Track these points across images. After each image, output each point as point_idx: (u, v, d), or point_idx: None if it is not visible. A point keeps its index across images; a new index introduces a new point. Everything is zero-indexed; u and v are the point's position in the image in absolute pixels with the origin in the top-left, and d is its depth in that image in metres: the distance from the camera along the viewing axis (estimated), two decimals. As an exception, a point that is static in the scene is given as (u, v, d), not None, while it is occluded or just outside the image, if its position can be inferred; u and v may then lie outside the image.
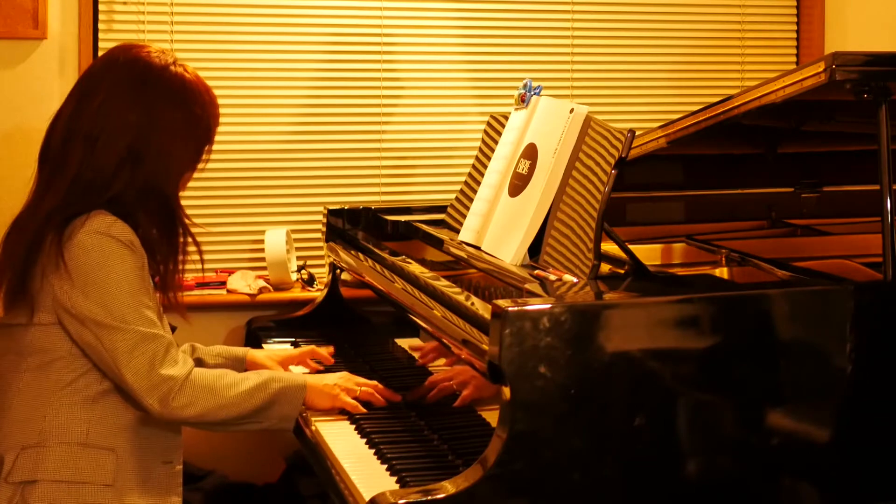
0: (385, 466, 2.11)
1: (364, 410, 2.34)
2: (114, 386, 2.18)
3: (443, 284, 2.31)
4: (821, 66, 2.16)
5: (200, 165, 2.32)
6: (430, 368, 2.68)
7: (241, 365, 2.52)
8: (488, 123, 2.84)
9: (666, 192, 3.08)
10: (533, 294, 2.06)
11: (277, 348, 2.74)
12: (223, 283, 3.31)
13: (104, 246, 2.13)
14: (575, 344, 1.93)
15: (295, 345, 2.96)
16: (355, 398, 2.36)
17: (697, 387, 2.01)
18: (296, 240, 3.41)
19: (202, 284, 3.27)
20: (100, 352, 2.13)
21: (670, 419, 1.98)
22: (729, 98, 2.43)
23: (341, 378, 2.40)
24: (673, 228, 2.93)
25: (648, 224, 2.95)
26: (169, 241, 2.24)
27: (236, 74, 3.36)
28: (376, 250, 2.79)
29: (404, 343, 2.95)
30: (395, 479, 2.05)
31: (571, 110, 2.43)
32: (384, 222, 3.08)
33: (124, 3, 3.28)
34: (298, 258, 3.41)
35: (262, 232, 3.34)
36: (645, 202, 3.05)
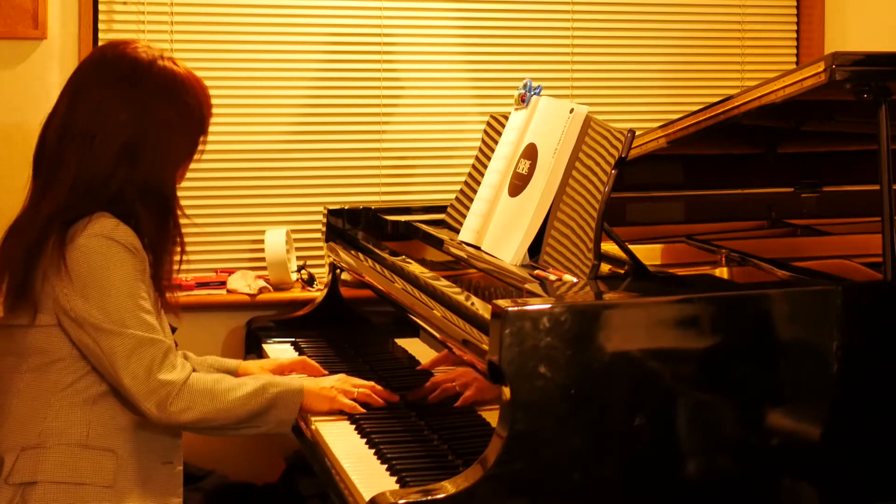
0: (385, 466, 2.11)
1: (362, 411, 2.34)
2: (113, 387, 2.17)
3: (443, 284, 2.31)
4: (821, 66, 2.16)
5: (196, 157, 2.31)
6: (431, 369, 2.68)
7: (234, 376, 2.51)
8: (488, 123, 2.83)
9: (666, 192, 3.08)
10: (533, 294, 2.06)
11: (269, 359, 2.73)
12: (223, 283, 3.31)
13: (106, 249, 2.13)
14: (575, 344, 1.92)
15: (295, 345, 2.96)
16: (353, 399, 2.36)
17: (697, 387, 2.01)
18: (296, 240, 3.41)
19: (202, 284, 3.27)
20: (98, 355, 2.13)
21: (670, 419, 1.98)
22: (729, 98, 2.42)
23: (338, 380, 2.40)
24: (673, 228, 2.93)
25: (648, 224, 2.95)
26: (165, 238, 2.24)
27: (236, 74, 3.36)
28: (376, 250, 2.79)
29: (404, 343, 2.95)
30: (395, 479, 2.05)
31: (571, 110, 2.43)
32: (384, 222, 3.08)
33: (124, 3, 3.28)
34: (298, 258, 3.41)
35: (262, 232, 3.34)
36: (645, 202, 3.05)
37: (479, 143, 2.84)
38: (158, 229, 2.22)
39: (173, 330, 2.31)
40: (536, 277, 2.21)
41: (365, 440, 2.23)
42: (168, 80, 2.24)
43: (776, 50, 3.78)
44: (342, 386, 2.37)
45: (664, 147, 2.63)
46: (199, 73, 2.31)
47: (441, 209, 2.92)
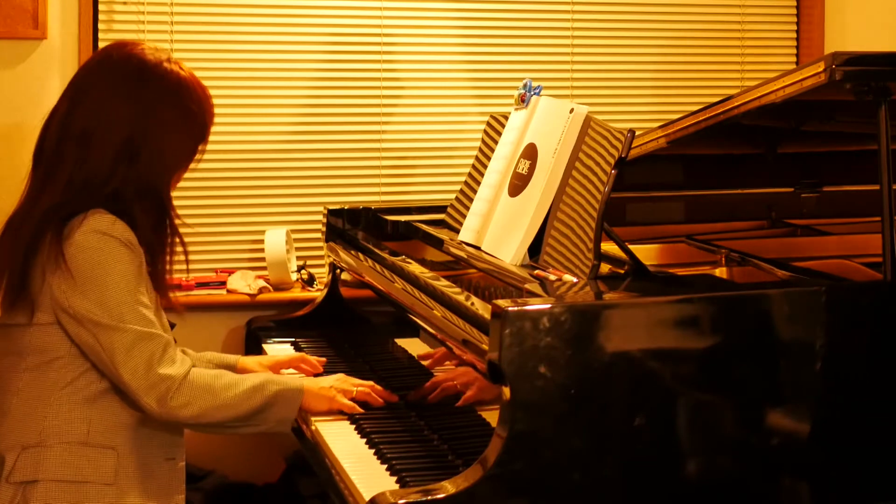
0: (385, 466, 2.11)
1: (361, 411, 2.34)
2: (113, 384, 2.18)
3: (443, 284, 2.31)
4: (821, 66, 2.16)
5: (193, 165, 2.32)
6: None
7: (233, 371, 2.51)
8: (488, 123, 2.84)
9: (666, 192, 3.08)
10: (533, 294, 2.06)
11: (268, 355, 2.74)
12: (223, 283, 3.31)
13: (103, 245, 2.13)
14: (575, 344, 1.93)
15: (295, 345, 2.96)
16: (352, 399, 2.36)
17: (697, 387, 2.01)
18: (296, 240, 3.41)
19: (202, 284, 3.27)
20: (97, 351, 2.13)
21: (670, 419, 1.98)
22: (729, 98, 2.42)
23: (338, 380, 2.40)
24: (673, 228, 2.93)
25: (648, 224, 2.95)
26: (160, 240, 2.24)
27: (236, 74, 3.36)
28: (376, 250, 2.79)
29: (404, 343, 2.95)
30: (395, 479, 2.05)
31: (571, 110, 2.43)
32: (384, 222, 3.08)
33: (124, 3, 3.28)
34: (298, 258, 3.41)
35: (262, 232, 3.34)
36: (645, 202, 3.05)
37: (479, 143, 2.84)
38: (154, 230, 2.21)
39: (172, 326, 2.31)
40: (536, 277, 2.21)
41: (365, 440, 2.23)
42: (174, 82, 2.24)
43: (776, 50, 3.78)
44: (341, 386, 2.37)
45: (664, 147, 2.63)
46: (198, 74, 2.31)
47: (441, 209, 2.92)
